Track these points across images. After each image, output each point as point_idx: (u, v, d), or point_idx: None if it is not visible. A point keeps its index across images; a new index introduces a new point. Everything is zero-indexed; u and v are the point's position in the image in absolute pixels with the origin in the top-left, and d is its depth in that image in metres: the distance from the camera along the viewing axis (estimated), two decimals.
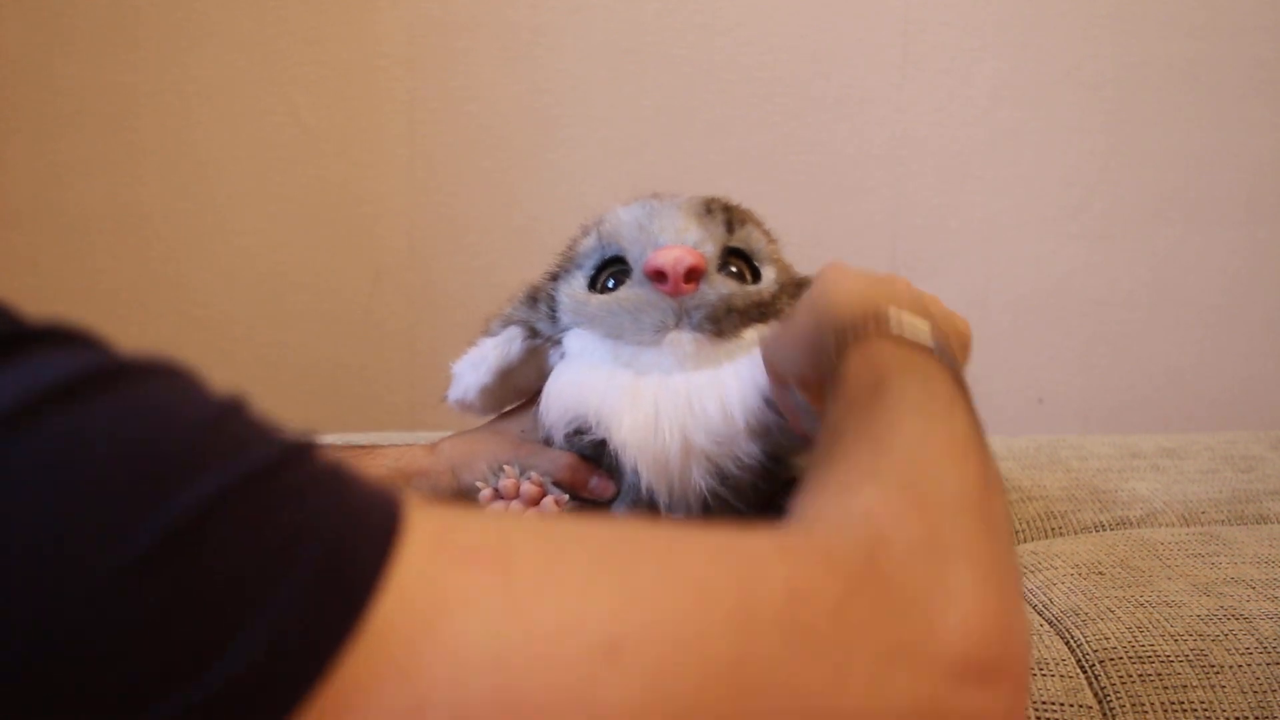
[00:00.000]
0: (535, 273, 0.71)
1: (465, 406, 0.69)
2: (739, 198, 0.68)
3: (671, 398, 0.59)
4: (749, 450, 0.60)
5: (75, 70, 1.41)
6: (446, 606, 0.29)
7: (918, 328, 0.47)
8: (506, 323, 0.68)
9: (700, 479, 0.59)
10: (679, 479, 0.60)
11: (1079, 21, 1.46)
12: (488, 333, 0.68)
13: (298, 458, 0.30)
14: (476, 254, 1.47)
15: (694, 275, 0.59)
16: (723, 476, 0.60)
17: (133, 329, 1.46)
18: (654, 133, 1.45)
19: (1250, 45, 1.47)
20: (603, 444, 0.61)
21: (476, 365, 0.67)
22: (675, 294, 0.60)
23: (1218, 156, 1.49)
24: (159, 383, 0.30)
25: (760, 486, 0.62)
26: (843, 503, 0.36)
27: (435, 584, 0.29)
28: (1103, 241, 1.50)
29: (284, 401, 1.48)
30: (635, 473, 0.60)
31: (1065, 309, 1.52)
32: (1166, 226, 1.51)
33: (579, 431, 0.62)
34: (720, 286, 0.61)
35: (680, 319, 0.60)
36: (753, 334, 0.62)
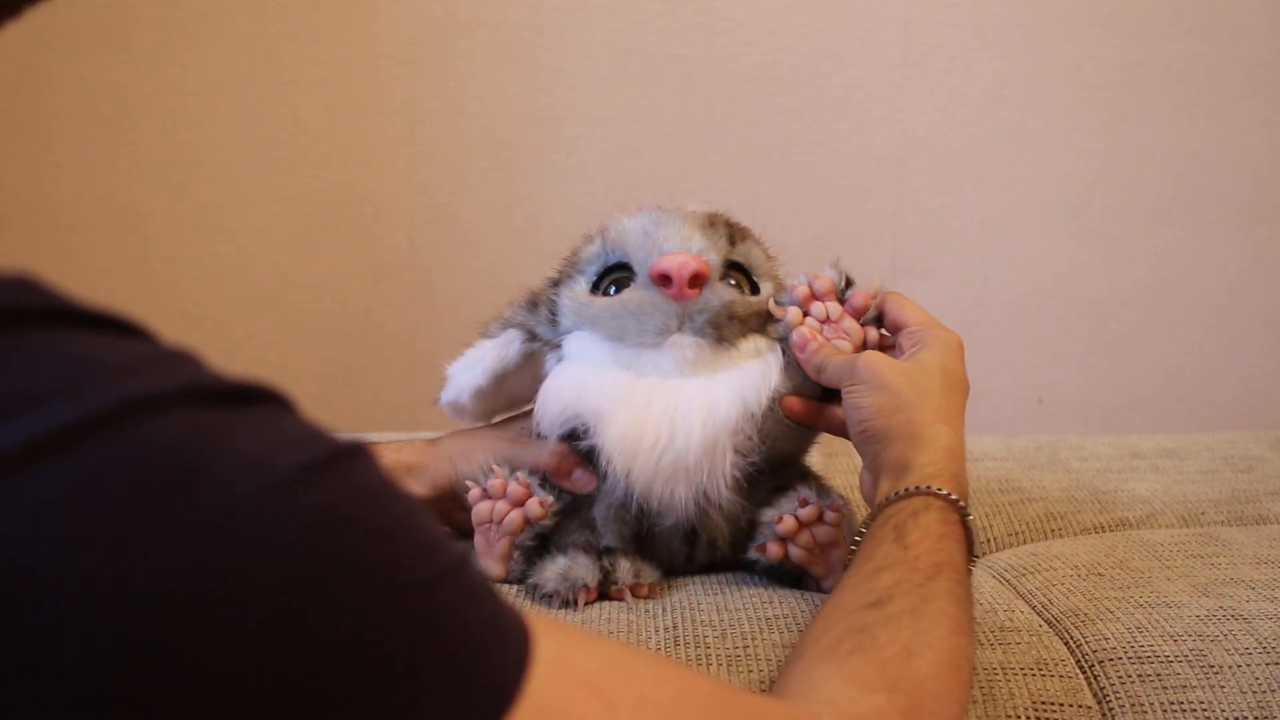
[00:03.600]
0: (535, 274, 0.71)
1: (457, 409, 0.69)
2: (740, 197, 0.68)
3: (665, 403, 0.60)
4: (727, 462, 0.60)
5: (74, 70, 1.41)
6: None
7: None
8: (505, 326, 0.68)
9: (682, 487, 0.60)
10: (661, 484, 0.60)
11: (1079, 21, 1.46)
12: (486, 335, 0.68)
13: (463, 563, 0.35)
14: (476, 254, 1.47)
15: (698, 280, 0.60)
16: (704, 486, 0.60)
17: None
18: (654, 133, 1.45)
19: (1250, 45, 1.47)
20: (595, 445, 0.62)
21: (472, 366, 0.67)
22: (679, 298, 0.60)
23: (1218, 156, 1.49)
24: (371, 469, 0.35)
25: (743, 501, 0.63)
26: (854, 700, 0.43)
27: (555, 710, 0.34)
28: (1103, 241, 1.50)
29: None
30: (621, 474, 0.60)
31: (1065, 309, 1.51)
32: (1166, 226, 1.51)
33: (574, 435, 0.63)
34: (723, 293, 0.62)
35: (683, 322, 0.61)
36: (751, 344, 0.63)
